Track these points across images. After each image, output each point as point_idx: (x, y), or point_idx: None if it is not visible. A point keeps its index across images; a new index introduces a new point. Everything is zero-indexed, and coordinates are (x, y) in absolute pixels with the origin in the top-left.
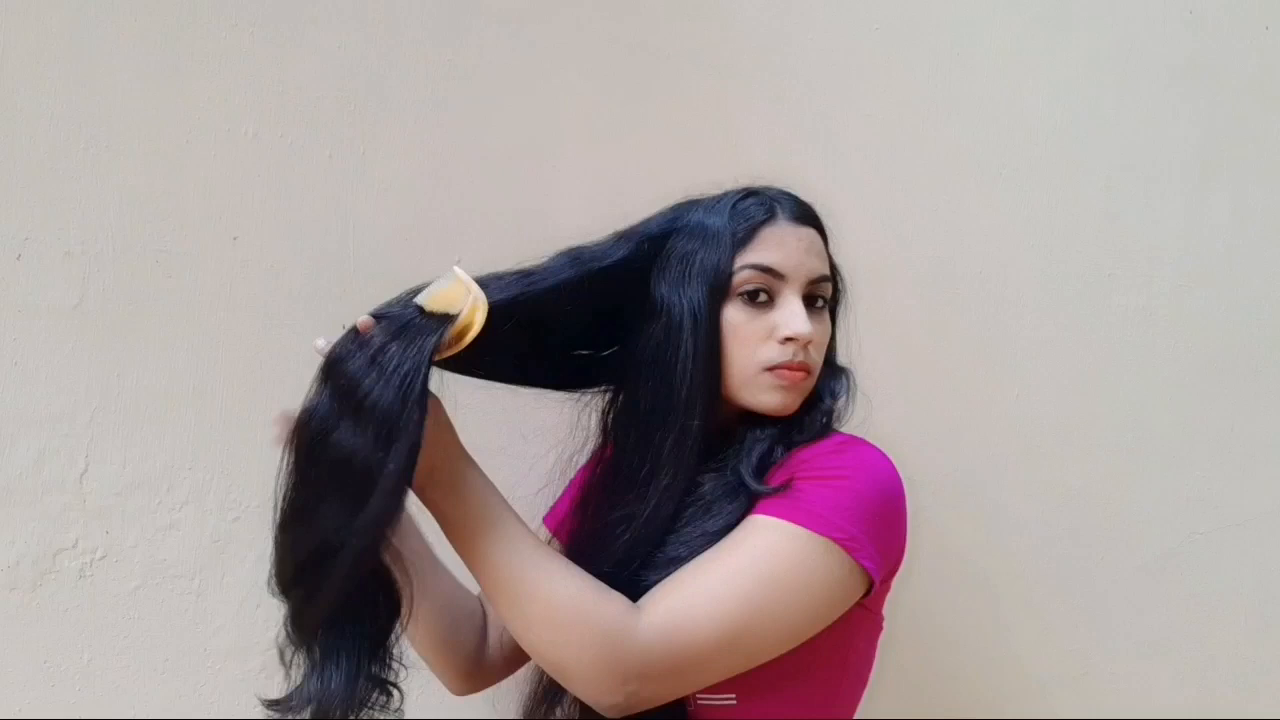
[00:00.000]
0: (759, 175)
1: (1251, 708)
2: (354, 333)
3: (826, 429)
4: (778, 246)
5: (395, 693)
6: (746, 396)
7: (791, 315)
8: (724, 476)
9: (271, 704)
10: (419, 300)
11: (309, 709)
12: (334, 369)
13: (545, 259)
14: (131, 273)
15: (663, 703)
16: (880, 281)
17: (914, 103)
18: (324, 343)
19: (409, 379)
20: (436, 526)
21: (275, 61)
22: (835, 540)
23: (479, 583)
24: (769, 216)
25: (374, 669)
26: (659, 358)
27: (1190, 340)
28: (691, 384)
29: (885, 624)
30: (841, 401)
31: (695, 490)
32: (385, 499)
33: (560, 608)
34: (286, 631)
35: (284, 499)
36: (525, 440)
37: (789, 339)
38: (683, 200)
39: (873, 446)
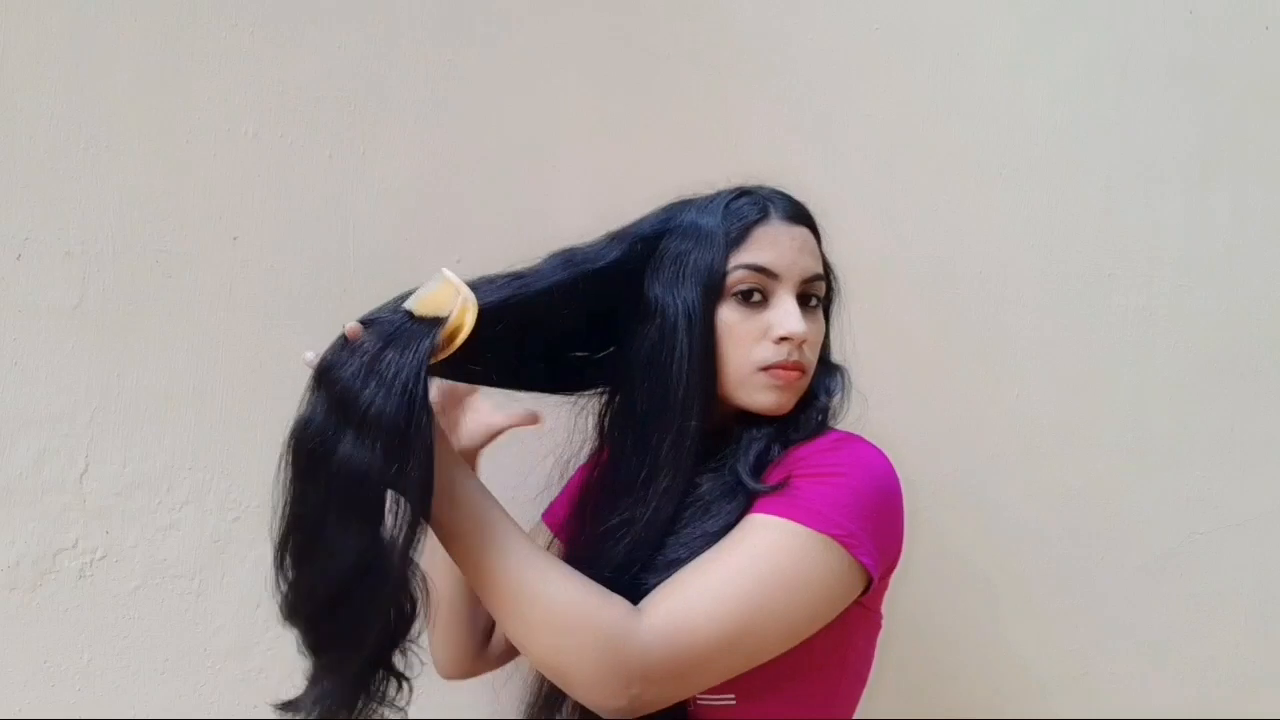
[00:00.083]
0: (759, 175)
1: (1251, 708)
2: (343, 340)
3: (822, 427)
4: (771, 246)
5: (406, 692)
6: (742, 396)
7: (786, 315)
8: (722, 476)
9: (283, 706)
10: (408, 305)
11: (318, 710)
12: (326, 378)
13: (538, 261)
14: (131, 273)
15: (666, 705)
16: (880, 281)
17: (914, 103)
18: (313, 356)
19: (410, 385)
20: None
21: (275, 61)
22: (834, 537)
23: (478, 591)
24: (762, 216)
25: (386, 671)
26: (654, 359)
27: (1190, 340)
28: (687, 385)
29: (884, 623)
30: (837, 399)
31: (693, 491)
32: (414, 514)
33: (560, 613)
34: (299, 644)
35: (287, 522)
36: (524, 443)
37: (783, 338)
38: (676, 200)
39: (869, 443)
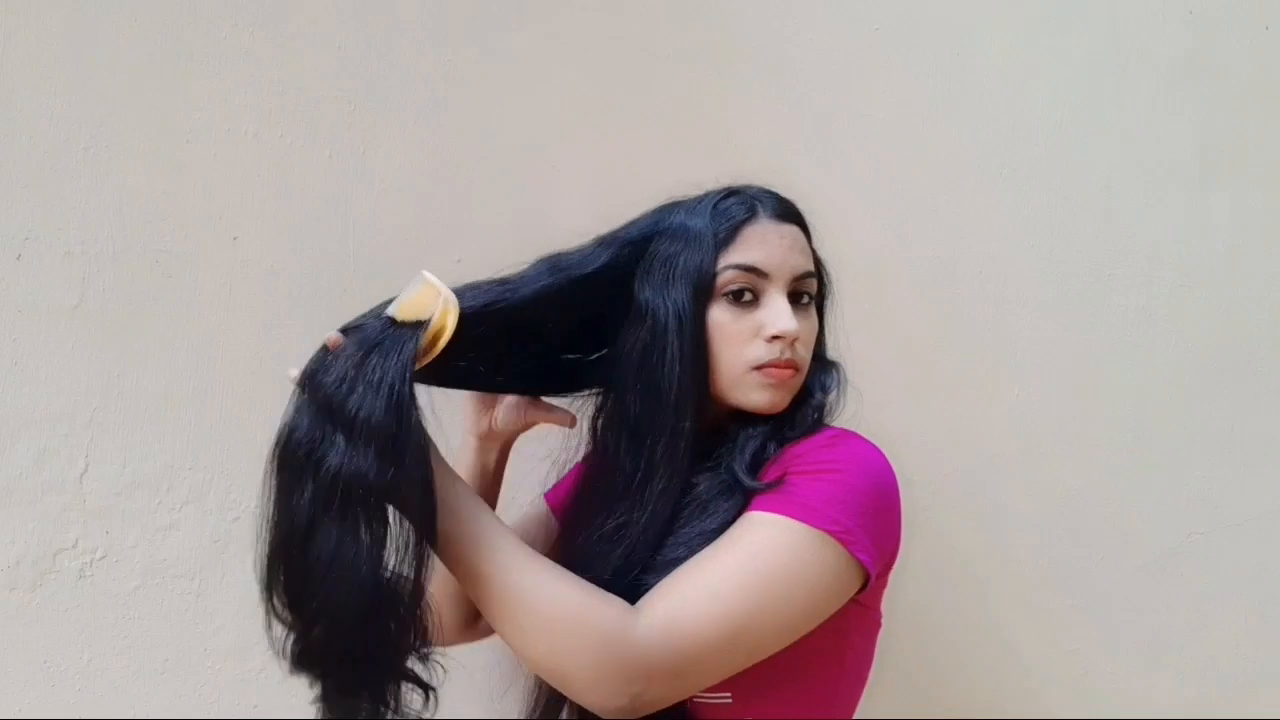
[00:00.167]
0: (759, 175)
1: (1251, 708)
2: (324, 351)
3: (818, 424)
4: (760, 245)
5: (432, 703)
6: (736, 396)
7: (777, 313)
8: (718, 475)
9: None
10: (390, 311)
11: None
12: (311, 386)
13: (527, 267)
14: (131, 273)
15: (667, 705)
16: (880, 281)
17: (914, 103)
18: (296, 372)
19: (396, 387)
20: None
21: (275, 61)
22: (830, 533)
23: (473, 596)
24: (750, 215)
25: (403, 680)
26: (646, 361)
27: (1190, 340)
28: (680, 386)
29: (884, 623)
30: (833, 396)
31: (691, 491)
32: (419, 517)
33: (556, 614)
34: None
35: (275, 543)
36: (522, 444)
37: (776, 337)
38: (666, 203)
39: (865, 440)
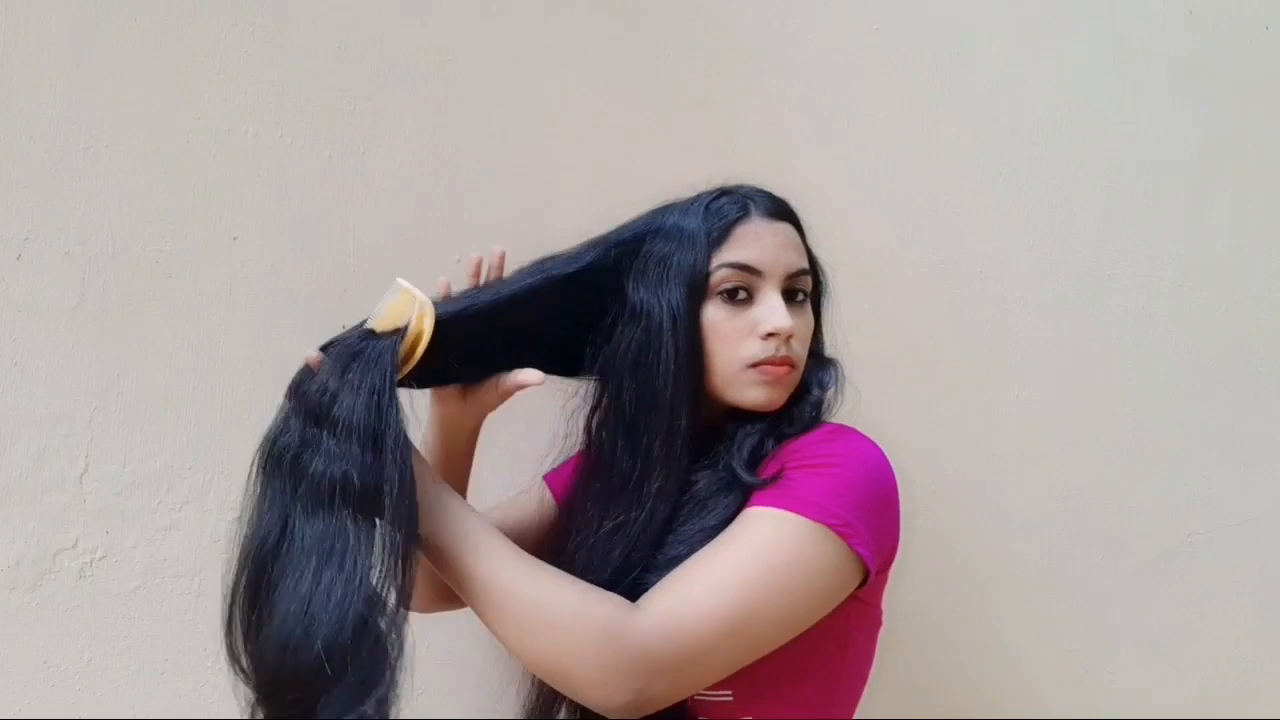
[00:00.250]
0: (759, 176)
1: (1251, 708)
2: (306, 368)
3: (816, 420)
4: (753, 243)
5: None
6: (732, 394)
7: (771, 311)
8: (717, 473)
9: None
10: (368, 324)
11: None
12: (296, 394)
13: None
14: (131, 273)
15: (670, 702)
16: (880, 281)
17: (914, 103)
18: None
19: (378, 388)
20: None
21: (275, 61)
22: (830, 526)
23: (469, 602)
24: (742, 214)
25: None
26: (641, 361)
27: (1190, 340)
28: (675, 385)
29: (884, 622)
30: (830, 392)
31: (690, 489)
32: (406, 514)
33: (555, 611)
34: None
35: (255, 548)
36: (520, 445)
37: (771, 334)
38: (659, 205)
39: (863, 436)
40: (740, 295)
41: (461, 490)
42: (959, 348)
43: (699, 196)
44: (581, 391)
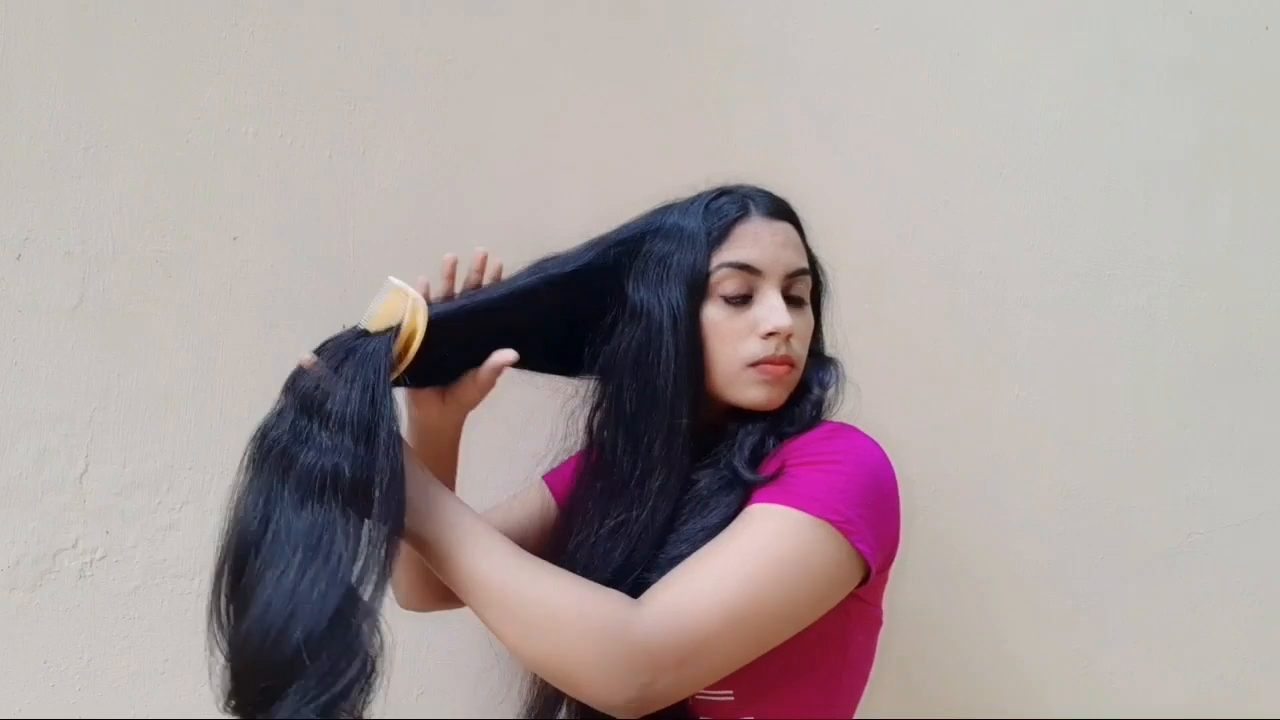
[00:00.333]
0: (759, 176)
1: (1251, 707)
2: (300, 369)
3: (816, 419)
4: (753, 243)
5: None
6: (732, 393)
7: (771, 310)
8: (718, 472)
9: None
10: (362, 324)
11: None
12: (292, 388)
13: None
14: (131, 273)
15: (676, 699)
16: (880, 281)
17: (914, 103)
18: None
19: (372, 384)
20: None
21: (275, 61)
22: (831, 522)
23: (470, 603)
24: (742, 214)
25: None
26: (641, 360)
27: (1190, 340)
28: (676, 385)
29: (885, 622)
30: (831, 391)
31: (691, 488)
32: (394, 507)
33: (557, 609)
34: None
35: (239, 534)
36: (519, 446)
37: (770, 333)
38: (660, 205)
39: (864, 434)
40: (740, 295)
41: None
42: (959, 348)
43: (699, 196)
44: (581, 391)
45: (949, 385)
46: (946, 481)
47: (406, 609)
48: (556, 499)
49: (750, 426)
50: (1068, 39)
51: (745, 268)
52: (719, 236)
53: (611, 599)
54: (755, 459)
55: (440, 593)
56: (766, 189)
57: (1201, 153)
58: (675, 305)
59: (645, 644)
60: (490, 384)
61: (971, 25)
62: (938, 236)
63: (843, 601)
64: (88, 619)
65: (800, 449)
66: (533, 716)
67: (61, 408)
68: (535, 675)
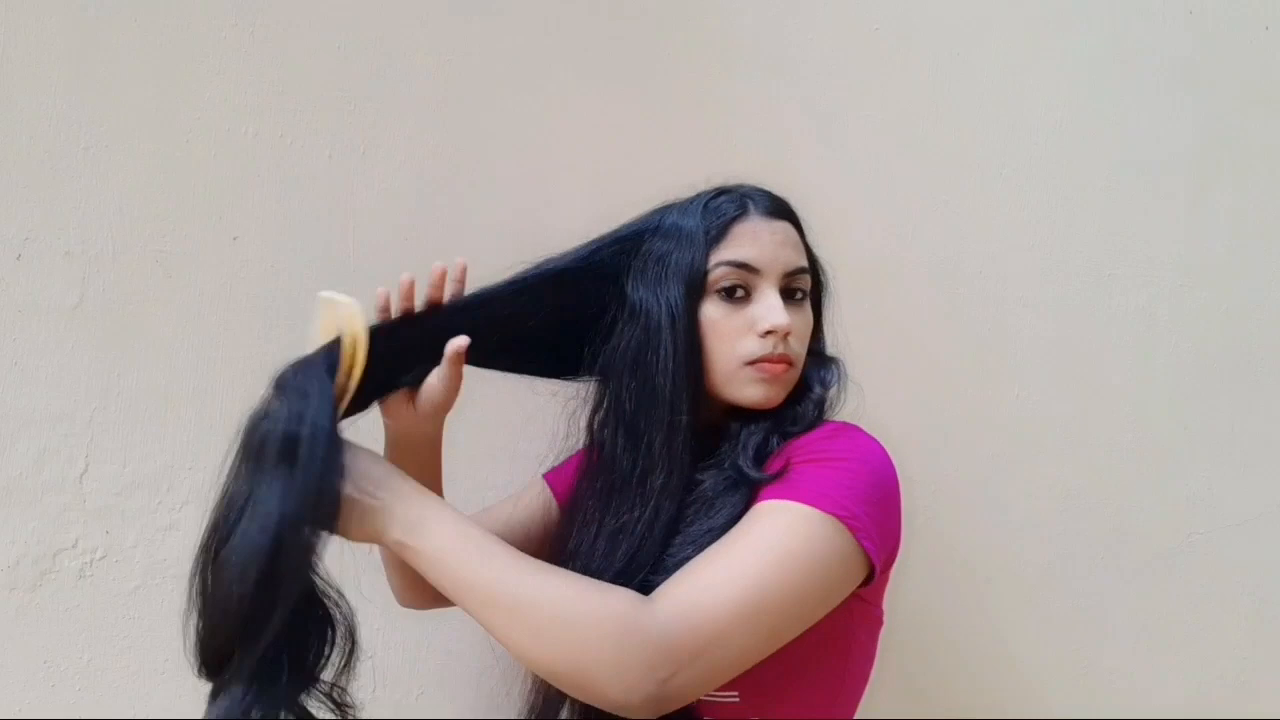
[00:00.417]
0: (759, 176)
1: (1251, 707)
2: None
3: (819, 418)
4: (751, 241)
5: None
6: (730, 391)
7: (769, 308)
8: (723, 472)
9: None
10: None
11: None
12: (274, 384)
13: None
14: (131, 273)
15: (693, 696)
16: (880, 281)
17: (914, 103)
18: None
19: (307, 360)
20: None
21: (275, 61)
22: (840, 518)
23: (474, 613)
24: (741, 212)
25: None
26: (640, 359)
27: (1190, 340)
28: (674, 383)
29: (885, 621)
30: (833, 391)
31: (695, 489)
32: (322, 441)
33: (567, 609)
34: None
35: (223, 507)
36: (525, 442)
37: (768, 332)
38: (660, 205)
39: (867, 434)
40: (738, 293)
41: None
42: (959, 348)
43: (698, 196)
44: (582, 392)
45: (949, 385)
46: (946, 481)
47: (404, 607)
48: (558, 498)
49: (753, 426)
50: (1068, 39)
51: (743, 266)
52: (717, 235)
53: (622, 596)
54: (760, 458)
55: (436, 590)
56: (766, 188)
57: (1201, 153)
58: (673, 304)
59: (660, 638)
60: (454, 377)
61: (971, 25)
62: (938, 236)
63: (845, 601)
64: (88, 619)
65: (804, 447)
66: (534, 717)
67: (61, 408)
68: (536, 679)
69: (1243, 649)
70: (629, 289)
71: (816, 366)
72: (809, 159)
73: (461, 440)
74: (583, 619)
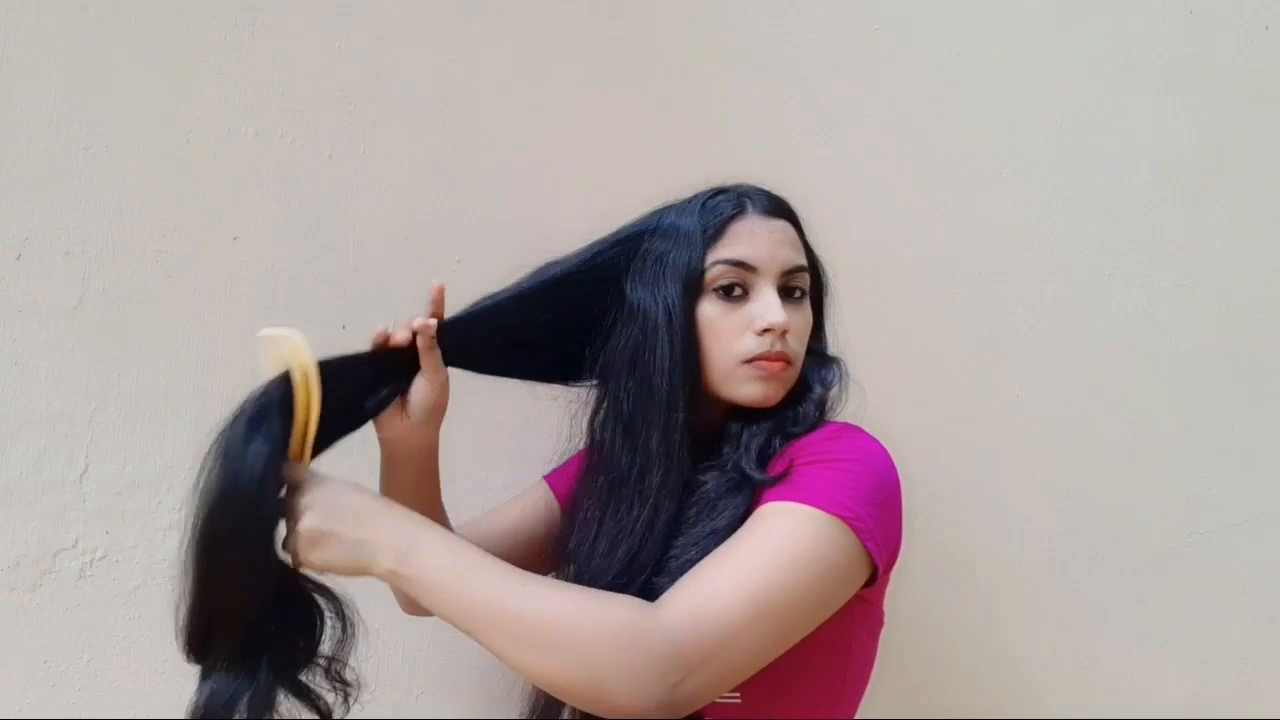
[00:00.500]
0: (759, 176)
1: (1251, 707)
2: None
3: (820, 419)
4: (748, 240)
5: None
6: (729, 390)
7: (766, 307)
8: (725, 473)
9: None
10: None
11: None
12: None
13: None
14: (131, 273)
15: (705, 701)
16: (880, 281)
17: (914, 103)
18: None
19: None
20: None
21: (275, 61)
22: (844, 519)
23: (476, 635)
24: (738, 211)
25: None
26: (638, 358)
27: (1190, 340)
28: (671, 381)
29: (886, 621)
30: (834, 391)
31: (697, 490)
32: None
33: (573, 622)
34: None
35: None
36: (517, 446)
37: (766, 329)
38: (659, 206)
39: (869, 435)
40: (736, 291)
41: (436, 513)
42: (959, 348)
43: (696, 195)
44: (583, 395)
45: (949, 385)
46: (946, 481)
47: (410, 614)
48: (559, 499)
49: (755, 427)
50: (1068, 39)
51: (740, 264)
52: (715, 234)
53: (627, 604)
54: (762, 459)
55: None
56: (765, 188)
57: (1201, 153)
58: (671, 302)
59: (669, 643)
60: (438, 370)
61: (971, 25)
62: (938, 236)
63: (847, 602)
64: (88, 619)
65: (806, 448)
66: (534, 717)
67: (61, 408)
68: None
69: (1243, 649)
70: (628, 289)
71: (818, 366)
72: (809, 159)
73: (462, 441)
74: (589, 631)
